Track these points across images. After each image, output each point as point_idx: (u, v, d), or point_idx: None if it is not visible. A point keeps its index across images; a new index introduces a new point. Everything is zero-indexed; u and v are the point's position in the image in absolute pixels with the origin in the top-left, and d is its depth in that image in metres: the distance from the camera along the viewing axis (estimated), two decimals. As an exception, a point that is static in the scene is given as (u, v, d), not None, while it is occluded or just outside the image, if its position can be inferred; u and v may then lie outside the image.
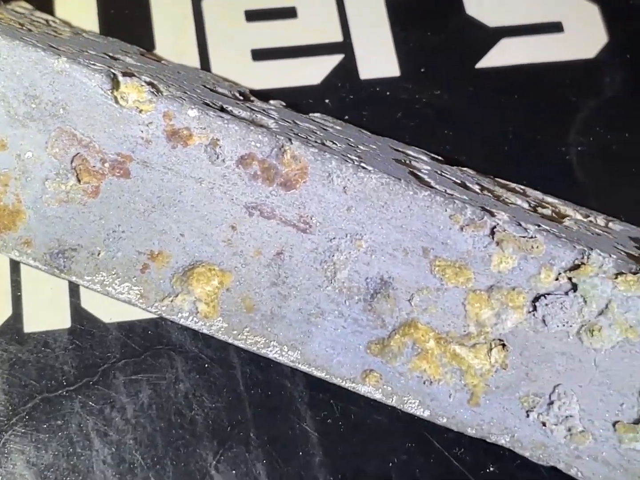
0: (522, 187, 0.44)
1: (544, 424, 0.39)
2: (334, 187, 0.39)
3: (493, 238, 0.39)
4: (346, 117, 0.46)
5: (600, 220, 0.43)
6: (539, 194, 0.44)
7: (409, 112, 0.49)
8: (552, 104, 0.49)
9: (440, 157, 0.45)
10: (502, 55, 0.48)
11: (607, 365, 0.38)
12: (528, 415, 0.39)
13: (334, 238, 0.40)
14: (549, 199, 0.43)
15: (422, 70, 0.49)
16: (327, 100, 0.49)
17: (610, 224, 0.42)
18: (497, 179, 0.44)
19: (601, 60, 0.49)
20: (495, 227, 0.38)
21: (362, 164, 0.38)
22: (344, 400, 0.40)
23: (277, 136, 0.39)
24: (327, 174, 0.39)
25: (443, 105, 0.48)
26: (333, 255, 0.40)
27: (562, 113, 0.49)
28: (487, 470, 0.39)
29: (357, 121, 0.45)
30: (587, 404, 0.39)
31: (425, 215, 0.39)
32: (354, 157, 0.39)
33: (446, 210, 0.39)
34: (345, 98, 0.49)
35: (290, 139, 0.38)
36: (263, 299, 0.40)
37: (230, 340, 0.40)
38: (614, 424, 0.39)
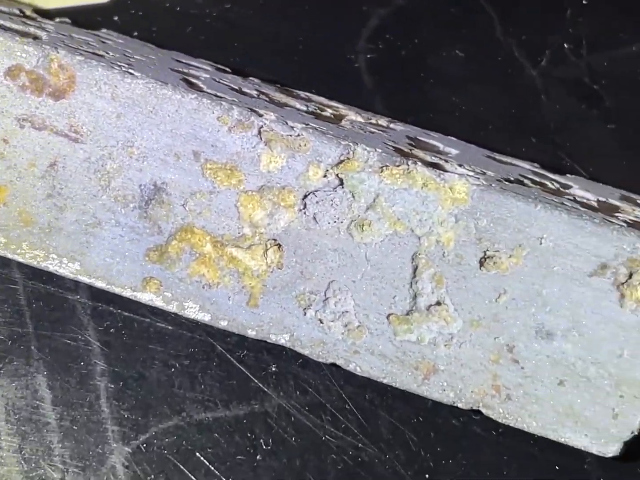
0: (308, 94, 0.45)
1: (321, 322, 0.40)
2: (102, 94, 0.40)
3: (261, 138, 0.40)
4: (135, 33, 0.46)
5: (383, 121, 0.44)
6: (324, 100, 0.45)
7: (199, 26, 0.50)
8: (343, 13, 0.51)
9: (227, 68, 0.45)
10: (292, -33, 0.49)
11: (378, 259, 0.40)
12: (305, 314, 0.41)
13: (105, 146, 0.41)
14: (333, 104, 0.44)
15: (212, -17, 0.49)
16: (116, 18, 0.50)
17: (392, 125, 0.43)
18: (284, 87, 0.45)
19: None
20: (262, 127, 0.40)
21: (130, 71, 0.39)
22: (127, 310, 0.41)
23: (43, 46, 0.39)
24: (94, 82, 0.40)
25: (233, 18, 0.50)
26: (106, 164, 0.41)
27: (353, 22, 0.51)
28: (270, 371, 0.40)
29: (147, 37, 0.45)
30: (361, 298, 0.40)
31: (194, 118, 0.40)
32: (123, 65, 0.39)
33: (214, 112, 0.40)
34: (134, 15, 0.50)
35: (56, 48, 0.39)
36: (40, 211, 0.41)
37: (9, 256, 0.40)
38: (388, 317, 0.40)
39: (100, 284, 0.41)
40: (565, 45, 0.52)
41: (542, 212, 0.37)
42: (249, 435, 0.40)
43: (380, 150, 0.38)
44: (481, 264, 0.39)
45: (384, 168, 0.39)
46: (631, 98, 0.50)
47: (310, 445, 0.40)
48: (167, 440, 0.39)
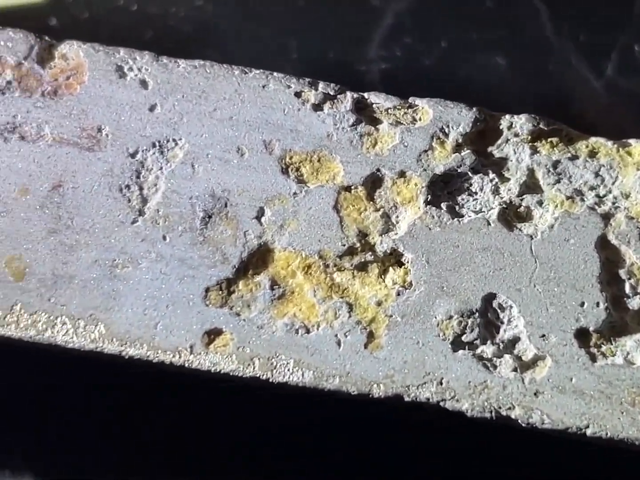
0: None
1: (480, 357, 0.41)
2: (127, 82, 0.43)
3: (359, 113, 0.42)
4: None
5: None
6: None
7: (162, 29, 0.54)
8: (348, 11, 0.55)
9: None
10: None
11: (549, 253, 0.41)
12: (456, 348, 0.41)
13: (136, 152, 0.42)
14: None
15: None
16: (53, 22, 0.54)
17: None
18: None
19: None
20: (359, 100, 0.43)
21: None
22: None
23: (35, 34, 0.43)
24: (114, 67, 0.43)
25: (205, 17, 0.55)
26: (138, 176, 0.42)
27: (362, 22, 0.55)
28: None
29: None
30: (533, 313, 0.41)
31: (262, 97, 0.43)
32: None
33: (290, 87, 0.43)
34: (77, 17, 0.54)
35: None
36: (38, 256, 0.41)
37: None
38: (577, 334, 0.41)
39: (137, 352, 0.41)
40: (636, 47, 0.56)
41: None
42: None
43: (525, 114, 0.43)
44: (696, 240, 0.42)
45: (535, 135, 0.42)
46: None
47: None
48: None
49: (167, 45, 0.53)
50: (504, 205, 0.42)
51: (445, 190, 0.42)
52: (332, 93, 0.43)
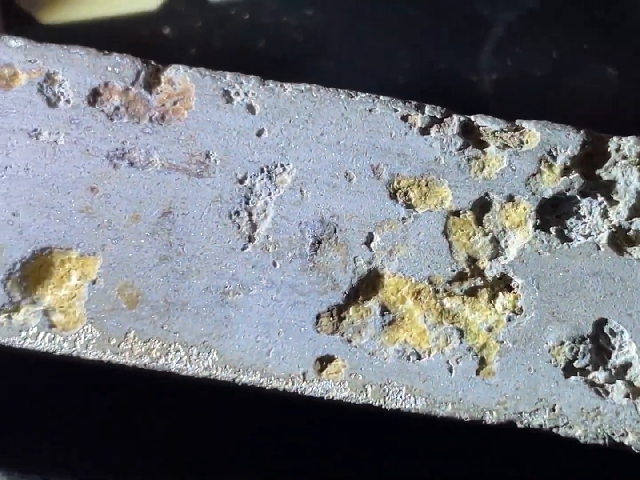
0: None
1: (592, 383, 0.41)
2: (234, 107, 0.43)
3: (466, 137, 0.42)
4: (193, 50, 0.47)
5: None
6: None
7: (274, 38, 0.53)
8: (459, 21, 0.54)
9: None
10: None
11: None
12: (568, 374, 0.41)
13: (244, 177, 0.42)
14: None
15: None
16: (166, 31, 0.53)
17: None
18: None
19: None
20: (466, 122, 0.42)
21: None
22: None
23: (142, 59, 0.43)
24: (221, 92, 0.43)
25: (313, 27, 0.54)
26: (247, 202, 0.42)
27: (473, 32, 0.54)
28: None
29: (206, 57, 0.47)
30: None
31: (369, 122, 0.42)
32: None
33: (396, 111, 0.42)
34: (190, 26, 0.53)
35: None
36: (150, 283, 0.42)
37: (107, 357, 0.42)
38: None
39: (250, 379, 0.41)
40: None
41: None
42: None
43: (634, 136, 0.42)
44: None
45: (645, 157, 0.43)
46: None
47: None
48: None
49: (279, 54, 0.53)
50: (613, 229, 0.42)
51: (554, 214, 0.42)
52: (438, 116, 0.42)
